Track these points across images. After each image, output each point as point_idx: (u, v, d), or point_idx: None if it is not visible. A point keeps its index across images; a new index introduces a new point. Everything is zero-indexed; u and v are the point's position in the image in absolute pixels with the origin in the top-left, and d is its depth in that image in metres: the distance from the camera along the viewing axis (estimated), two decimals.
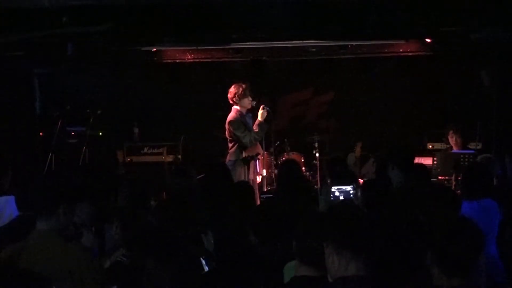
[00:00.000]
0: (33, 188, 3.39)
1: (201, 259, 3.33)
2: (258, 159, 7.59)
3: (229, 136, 7.47)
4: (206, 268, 3.34)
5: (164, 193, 5.14)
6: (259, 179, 7.90)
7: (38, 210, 3.32)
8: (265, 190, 7.96)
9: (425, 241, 2.78)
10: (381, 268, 2.70)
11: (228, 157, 7.49)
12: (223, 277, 3.22)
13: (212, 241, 3.67)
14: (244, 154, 7.41)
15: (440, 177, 7.23)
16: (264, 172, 7.99)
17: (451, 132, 8.04)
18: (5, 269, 2.53)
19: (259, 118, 7.41)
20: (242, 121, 7.43)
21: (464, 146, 8.03)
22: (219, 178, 5.40)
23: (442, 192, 4.09)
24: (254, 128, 7.40)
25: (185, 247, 2.83)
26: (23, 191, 3.43)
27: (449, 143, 8.20)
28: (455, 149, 8.00)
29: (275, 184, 8.08)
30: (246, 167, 7.37)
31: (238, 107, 7.52)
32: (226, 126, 7.44)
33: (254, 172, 7.51)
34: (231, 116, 7.46)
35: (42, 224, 3.30)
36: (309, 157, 9.29)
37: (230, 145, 7.52)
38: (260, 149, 7.64)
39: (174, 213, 3.82)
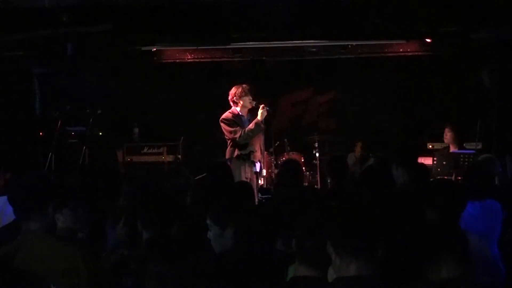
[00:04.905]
0: (24, 187, 3.37)
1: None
2: (255, 161, 7.52)
3: (225, 135, 7.49)
4: None
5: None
6: (262, 180, 7.84)
7: (29, 209, 3.31)
8: (265, 187, 7.95)
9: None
10: (383, 268, 2.70)
11: (226, 156, 7.50)
12: (230, 278, 3.21)
13: (230, 239, 3.61)
14: (236, 152, 7.40)
15: (439, 177, 7.22)
16: (264, 172, 7.97)
17: (446, 129, 8.06)
18: (0, 270, 2.51)
19: (258, 117, 7.39)
20: (234, 120, 7.42)
21: (460, 144, 8.03)
22: (220, 177, 5.39)
23: (448, 187, 4.08)
24: (250, 126, 7.37)
25: (191, 247, 2.83)
26: (14, 191, 3.41)
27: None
28: (451, 147, 8.01)
29: (274, 183, 8.06)
30: (241, 165, 7.34)
31: (238, 108, 7.51)
32: (220, 124, 7.47)
33: (251, 172, 7.46)
34: (223, 114, 7.48)
35: (33, 224, 3.29)
36: (309, 157, 9.29)
37: (228, 143, 7.54)
38: (254, 147, 7.57)
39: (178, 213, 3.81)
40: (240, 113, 7.52)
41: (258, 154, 7.54)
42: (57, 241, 3.34)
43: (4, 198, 4.62)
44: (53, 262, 3.18)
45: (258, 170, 7.51)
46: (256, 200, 6.73)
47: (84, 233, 3.95)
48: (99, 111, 8.69)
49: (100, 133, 9.08)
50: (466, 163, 7.03)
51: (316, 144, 9.20)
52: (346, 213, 2.76)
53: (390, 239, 2.99)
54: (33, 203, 3.29)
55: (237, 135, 7.31)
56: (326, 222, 2.76)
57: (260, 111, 7.41)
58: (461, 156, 7.26)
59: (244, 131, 7.33)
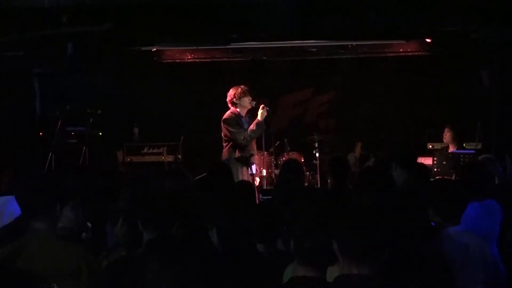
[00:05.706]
0: (30, 188, 3.37)
1: None
2: (253, 163, 7.51)
3: (224, 136, 7.45)
4: None
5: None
6: (257, 181, 7.82)
7: (35, 209, 3.31)
8: (265, 188, 7.94)
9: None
10: (385, 268, 2.70)
11: (222, 156, 7.47)
12: (226, 277, 3.21)
13: (216, 238, 3.64)
14: (237, 154, 7.38)
15: (439, 177, 7.21)
16: (264, 172, 7.96)
17: (446, 129, 8.07)
18: (3, 269, 2.51)
19: (259, 117, 7.39)
20: (237, 120, 7.42)
21: (460, 144, 8.04)
22: (220, 177, 5.40)
23: (448, 187, 4.08)
24: (251, 127, 7.37)
25: (191, 247, 2.83)
26: (23, 190, 3.41)
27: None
28: (450, 147, 8.02)
29: (275, 183, 8.06)
30: (239, 167, 7.32)
31: (237, 109, 7.50)
32: (221, 124, 7.45)
33: (248, 174, 7.44)
34: (226, 114, 7.46)
35: (39, 224, 3.29)
36: (309, 157, 9.29)
37: (224, 144, 7.50)
38: (254, 149, 7.57)
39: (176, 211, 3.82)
40: (240, 114, 7.53)
41: (255, 156, 7.57)
42: (60, 241, 3.35)
43: (4, 198, 4.64)
44: (56, 262, 3.18)
45: (254, 172, 7.51)
46: (258, 201, 6.73)
47: (84, 233, 3.95)
48: (99, 111, 8.69)
49: (100, 133, 9.07)
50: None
51: (316, 144, 9.20)
52: (346, 214, 2.76)
53: (391, 240, 2.99)
54: (42, 203, 3.30)
55: (241, 136, 7.30)
56: (326, 222, 2.76)
57: (260, 111, 7.41)
58: (461, 156, 7.26)
59: (247, 132, 7.33)
